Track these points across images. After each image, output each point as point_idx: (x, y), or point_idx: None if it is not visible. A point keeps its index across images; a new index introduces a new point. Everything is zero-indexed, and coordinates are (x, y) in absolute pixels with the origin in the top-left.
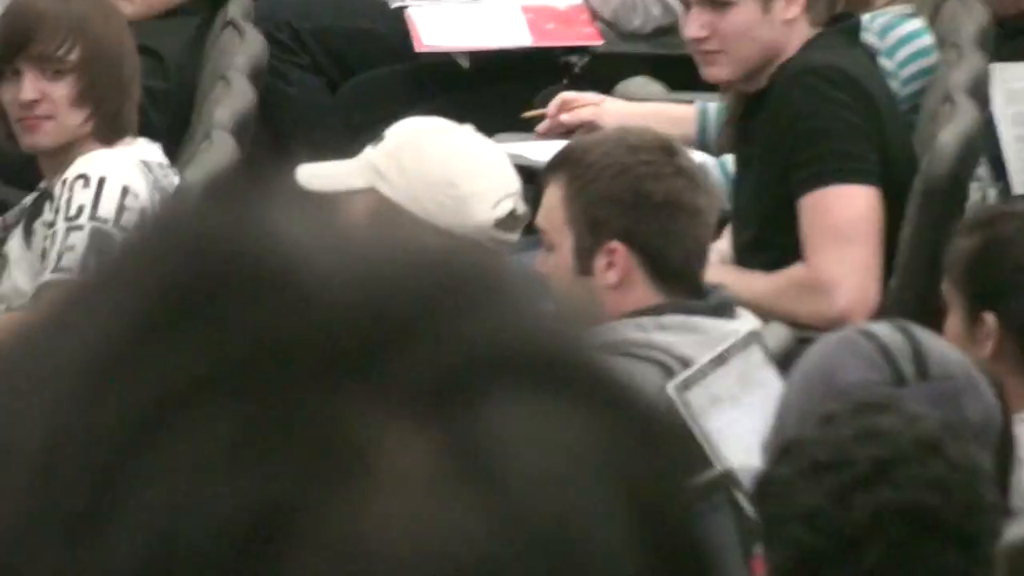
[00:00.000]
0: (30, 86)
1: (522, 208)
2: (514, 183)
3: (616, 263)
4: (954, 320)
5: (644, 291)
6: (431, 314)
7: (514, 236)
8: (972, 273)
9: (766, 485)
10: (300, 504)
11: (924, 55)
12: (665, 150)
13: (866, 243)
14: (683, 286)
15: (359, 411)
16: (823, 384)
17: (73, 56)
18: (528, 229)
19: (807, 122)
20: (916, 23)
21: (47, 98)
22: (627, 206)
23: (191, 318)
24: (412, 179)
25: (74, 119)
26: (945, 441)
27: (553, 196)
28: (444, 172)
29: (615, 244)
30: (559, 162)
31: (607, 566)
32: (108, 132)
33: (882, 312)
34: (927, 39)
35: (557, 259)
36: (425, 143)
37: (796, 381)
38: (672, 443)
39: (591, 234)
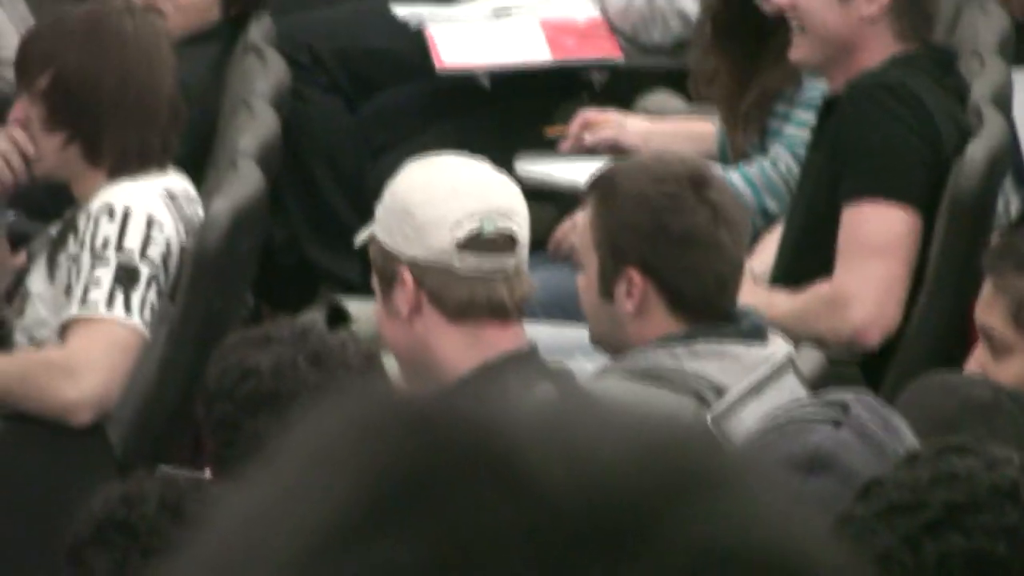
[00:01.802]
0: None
1: (493, 228)
2: (482, 204)
3: (634, 291)
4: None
5: (663, 319)
6: (652, 514)
7: (497, 257)
8: None
9: (844, 525)
10: None
11: None
12: (693, 180)
13: (894, 262)
14: (703, 316)
15: None
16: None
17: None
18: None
19: (867, 134)
20: None
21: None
22: (645, 236)
23: (412, 505)
24: (387, 216)
25: (49, 144)
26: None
27: (584, 217)
28: (403, 204)
29: (633, 272)
30: (592, 184)
31: None
32: (95, 156)
33: (910, 331)
34: None
35: (586, 280)
36: (396, 180)
37: None
38: None
39: (612, 259)
